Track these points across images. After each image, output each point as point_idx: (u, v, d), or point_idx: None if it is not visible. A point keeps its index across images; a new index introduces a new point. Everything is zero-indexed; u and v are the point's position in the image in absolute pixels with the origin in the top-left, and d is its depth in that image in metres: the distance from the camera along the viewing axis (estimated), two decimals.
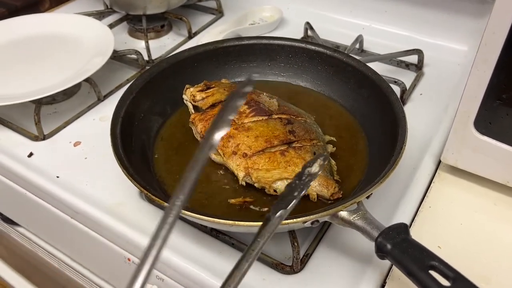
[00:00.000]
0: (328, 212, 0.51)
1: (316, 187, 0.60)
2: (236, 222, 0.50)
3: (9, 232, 0.93)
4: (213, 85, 0.74)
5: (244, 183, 0.63)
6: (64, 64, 0.89)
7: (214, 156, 0.66)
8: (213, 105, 0.71)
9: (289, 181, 0.61)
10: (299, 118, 0.68)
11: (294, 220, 0.50)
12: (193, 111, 0.73)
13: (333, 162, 0.66)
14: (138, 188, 0.55)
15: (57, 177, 0.71)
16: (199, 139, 0.71)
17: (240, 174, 0.62)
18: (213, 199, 0.62)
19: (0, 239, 0.97)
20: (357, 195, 0.52)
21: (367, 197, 0.53)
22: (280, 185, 0.61)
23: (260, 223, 0.48)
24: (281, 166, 0.61)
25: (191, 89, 0.74)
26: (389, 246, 0.46)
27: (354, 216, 0.51)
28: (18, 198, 0.77)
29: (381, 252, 0.47)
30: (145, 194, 0.54)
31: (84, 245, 0.73)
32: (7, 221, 0.91)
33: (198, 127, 0.69)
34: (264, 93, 0.72)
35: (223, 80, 0.78)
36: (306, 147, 0.64)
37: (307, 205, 0.61)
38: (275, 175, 0.61)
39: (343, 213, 0.51)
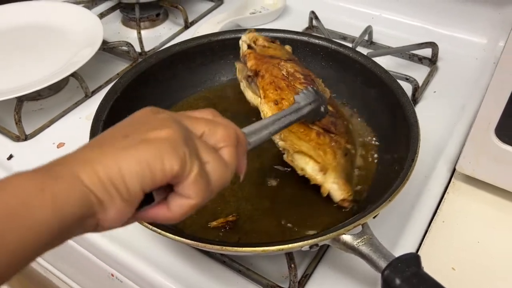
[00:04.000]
0: (328, 236, 0.45)
1: (332, 184, 0.55)
2: (225, 248, 0.45)
3: None
4: (277, 44, 0.70)
5: None
6: (49, 57, 0.83)
7: (251, 94, 0.63)
8: (271, 57, 0.65)
9: (311, 161, 0.56)
10: (343, 119, 0.64)
11: (291, 245, 0.44)
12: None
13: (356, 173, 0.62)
14: None
15: None
16: (239, 78, 0.66)
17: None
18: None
19: None
20: (362, 216, 0.46)
21: (374, 217, 0.47)
22: (299, 160, 0.57)
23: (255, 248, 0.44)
24: (311, 144, 0.57)
25: (257, 34, 0.70)
26: (397, 281, 0.40)
27: (358, 241, 0.45)
28: None
29: (388, 287, 0.41)
30: None
31: (65, 255, 0.68)
32: None
33: (249, 63, 0.64)
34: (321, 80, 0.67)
35: (287, 47, 0.72)
36: (340, 144, 0.59)
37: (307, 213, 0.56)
38: (303, 147, 0.57)
39: (346, 237, 0.45)
